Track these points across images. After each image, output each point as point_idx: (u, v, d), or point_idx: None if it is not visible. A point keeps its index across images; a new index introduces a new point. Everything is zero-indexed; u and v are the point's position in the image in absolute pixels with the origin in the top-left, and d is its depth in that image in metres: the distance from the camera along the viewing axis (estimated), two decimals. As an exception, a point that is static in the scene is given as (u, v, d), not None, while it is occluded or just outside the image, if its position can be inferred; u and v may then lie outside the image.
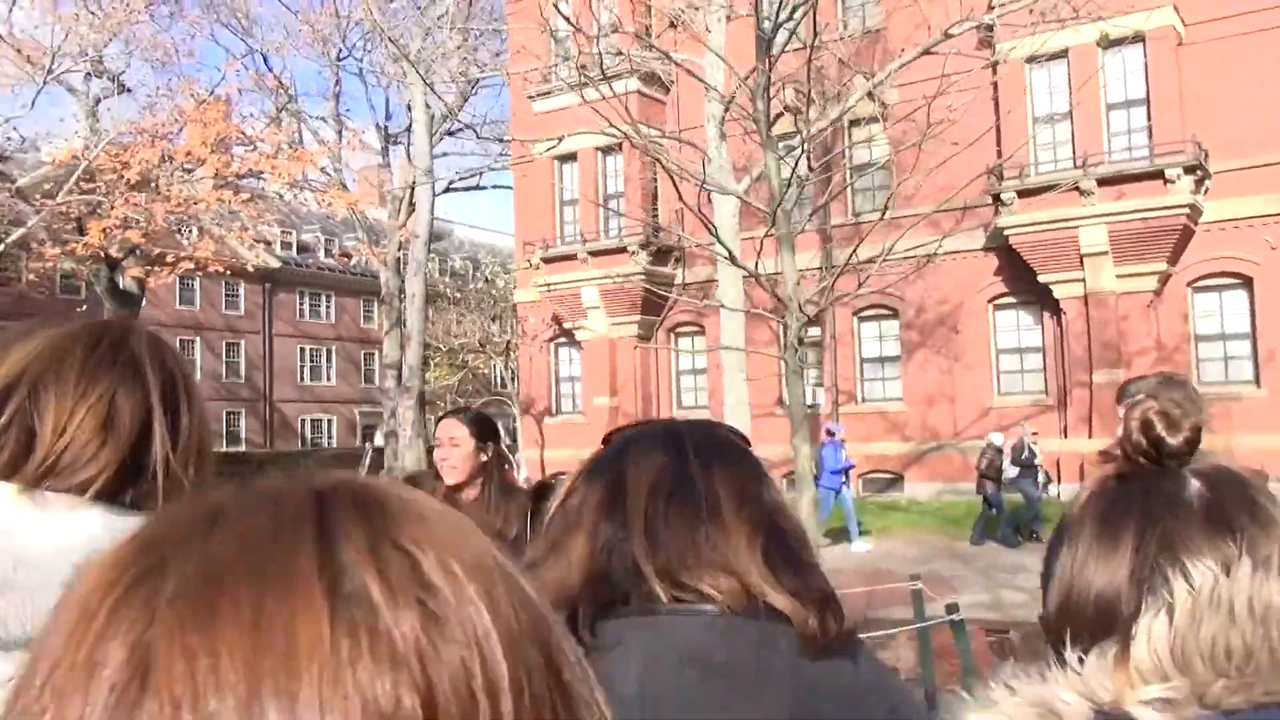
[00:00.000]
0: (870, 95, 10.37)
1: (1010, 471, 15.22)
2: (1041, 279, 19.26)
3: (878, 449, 21.55)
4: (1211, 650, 0.77)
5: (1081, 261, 18.61)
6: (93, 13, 21.38)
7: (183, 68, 26.72)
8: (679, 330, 24.19)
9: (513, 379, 26.70)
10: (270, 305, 44.74)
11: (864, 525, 17.86)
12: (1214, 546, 0.88)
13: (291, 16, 30.87)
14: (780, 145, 5.67)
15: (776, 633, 1.01)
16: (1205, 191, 18.09)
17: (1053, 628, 0.99)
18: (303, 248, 46.70)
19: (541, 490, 3.59)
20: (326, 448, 44.96)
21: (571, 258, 23.23)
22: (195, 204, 23.16)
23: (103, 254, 24.32)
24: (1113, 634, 0.84)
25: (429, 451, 3.48)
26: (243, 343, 44.04)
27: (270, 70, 30.65)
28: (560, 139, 11.06)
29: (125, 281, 26.08)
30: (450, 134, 32.69)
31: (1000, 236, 19.27)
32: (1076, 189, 17.63)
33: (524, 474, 24.47)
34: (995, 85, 17.79)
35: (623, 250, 22.34)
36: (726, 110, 8.77)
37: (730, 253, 5.19)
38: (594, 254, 22.54)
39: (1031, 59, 18.39)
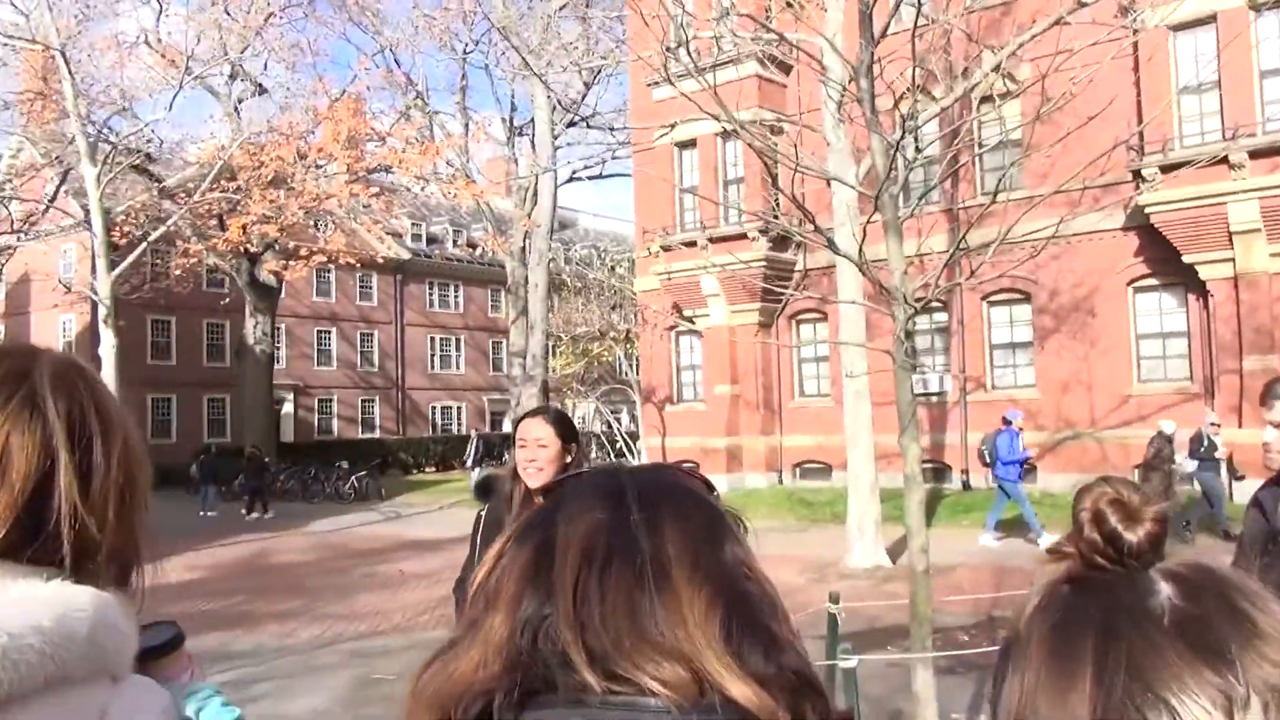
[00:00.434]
0: (999, 70, 9.91)
1: (1188, 465, 14.34)
2: (1186, 259, 18.21)
3: (1009, 438, 20.77)
4: None
5: (1231, 240, 17.50)
6: (229, 14, 22.26)
7: (316, 67, 27.62)
8: (800, 318, 23.82)
9: (634, 367, 26.77)
10: (401, 296, 46.02)
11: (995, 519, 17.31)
12: (1198, 675, 0.69)
13: (420, 13, 31.52)
14: (906, 125, 5.47)
15: None
16: (1371, 163, 16.77)
17: None
18: (432, 239, 47.87)
19: None
20: (456, 434, 46.04)
21: (691, 245, 23.10)
22: (328, 198, 23.93)
23: (243, 249, 25.43)
24: None
25: (512, 441, 3.33)
26: (376, 332, 45.43)
27: (399, 67, 31.41)
28: (673, 125, 10.95)
29: (264, 275, 27.23)
30: (572, 124, 32.95)
31: (1141, 215, 18.29)
32: (1225, 162, 16.56)
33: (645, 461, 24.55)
34: (1135, 55, 16.86)
35: (743, 237, 22.09)
36: (843, 93, 8.51)
37: (829, 240, 4.99)
38: (713, 241, 22.36)
39: (1176, 26, 17.41)
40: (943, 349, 21.99)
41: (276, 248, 25.94)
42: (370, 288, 44.88)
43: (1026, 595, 0.87)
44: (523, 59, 14.30)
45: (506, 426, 43.96)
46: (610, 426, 27.11)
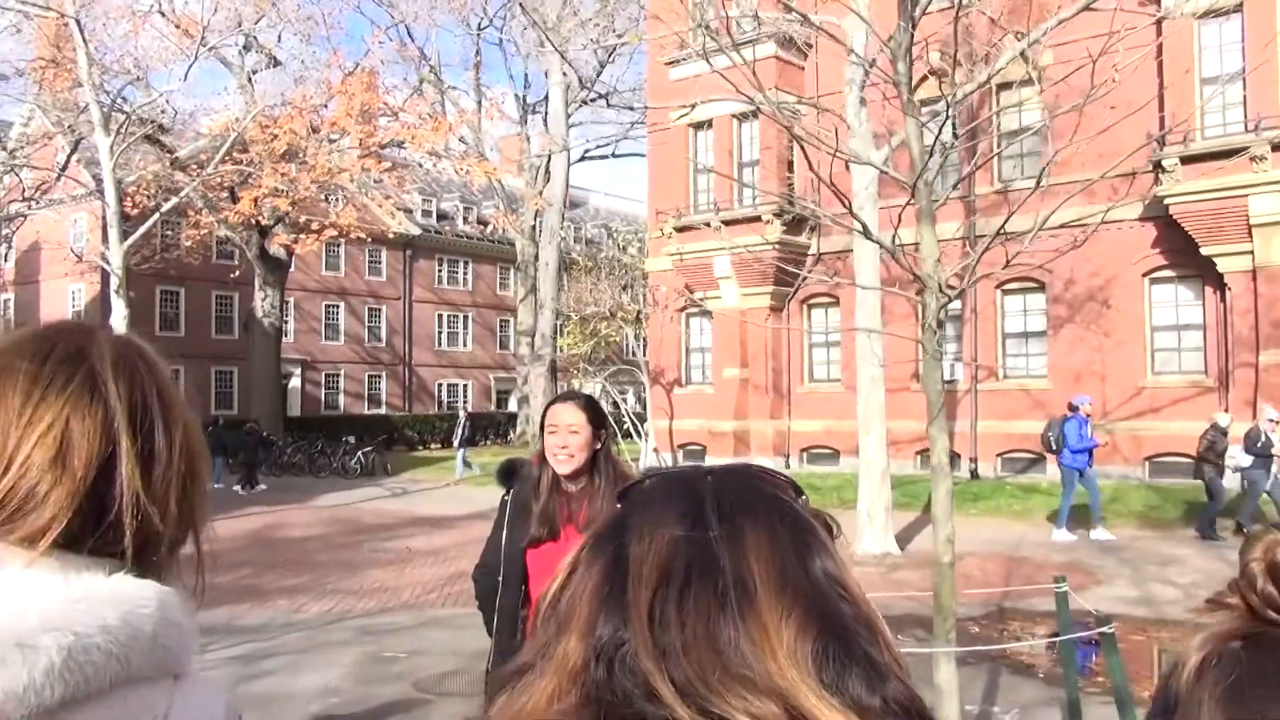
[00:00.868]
0: (1023, 56, 9.78)
1: (1243, 460, 13.78)
2: (1204, 251, 18.06)
3: (1018, 428, 20.70)
4: None
5: (1250, 233, 17.35)
6: (245, -15, 22.11)
7: (330, 40, 27.46)
8: (812, 302, 23.71)
9: (643, 348, 26.71)
10: (410, 271, 45.95)
11: (1001, 508, 17.24)
12: None
13: (434, -13, 31.31)
14: (924, 111, 5.33)
15: None
16: (1395, 158, 16.58)
17: None
18: (442, 215, 47.76)
19: None
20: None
21: (704, 227, 22.98)
22: (340, 173, 23.83)
23: (254, 221, 25.35)
24: None
25: (540, 425, 3.25)
26: (384, 308, 45.39)
27: (413, 41, 31.25)
28: (692, 106, 10.84)
29: (274, 248, 27.17)
30: (587, 103, 32.78)
31: (1160, 206, 18.13)
32: (1248, 155, 16.39)
33: (652, 443, 24.51)
34: (1160, 44, 16.66)
35: (756, 219, 21.96)
36: (867, 74, 8.39)
37: (865, 226, 4.90)
38: (727, 223, 22.24)
39: (1201, 14, 17.20)
40: (954, 337, 21.87)
41: (287, 221, 25.86)
42: (379, 263, 44.81)
43: (1187, 648, 0.78)
44: (542, 33, 14.14)
45: (512, 405, 44.00)
46: (617, 407, 27.06)
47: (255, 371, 31.91)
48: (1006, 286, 20.78)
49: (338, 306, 43.91)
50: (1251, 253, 17.49)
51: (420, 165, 31.05)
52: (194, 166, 22.47)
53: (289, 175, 22.48)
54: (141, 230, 18.30)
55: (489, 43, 36.11)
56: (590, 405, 3.31)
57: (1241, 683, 0.72)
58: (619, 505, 0.90)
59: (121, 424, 0.90)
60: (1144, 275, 19.49)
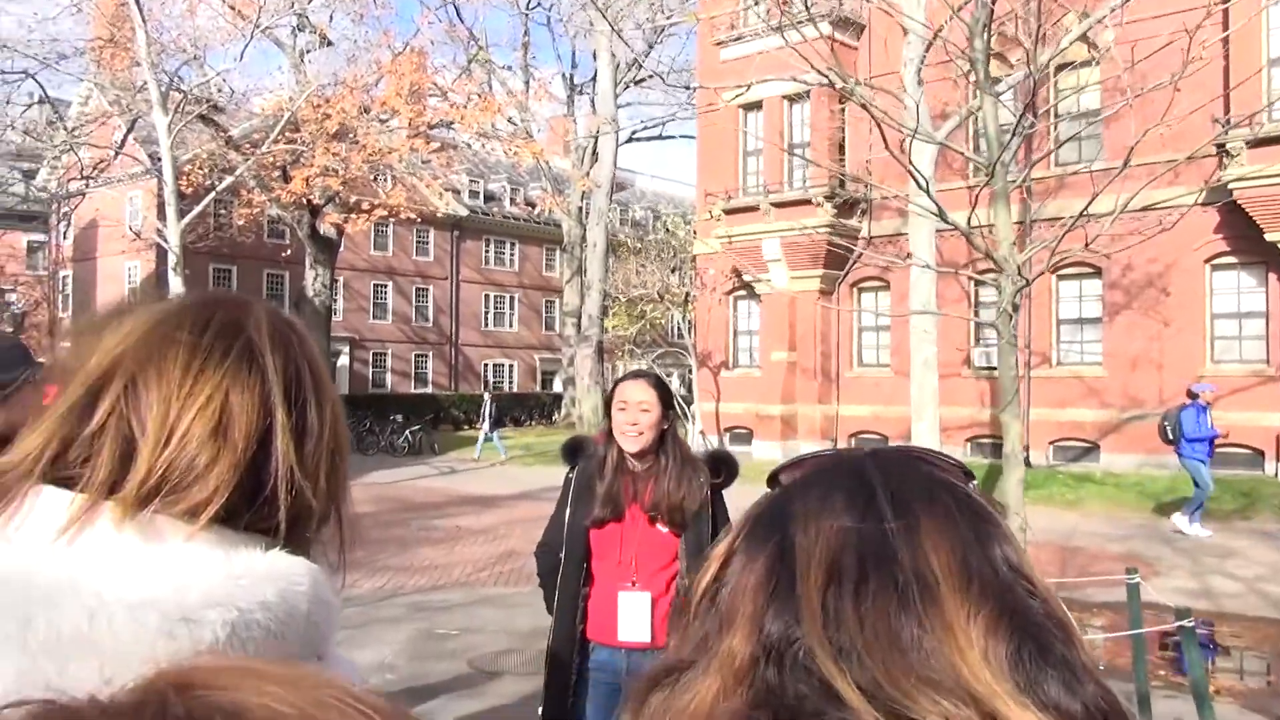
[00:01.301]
0: (1084, 38, 9.57)
1: None
2: (1269, 237, 17.62)
3: (1071, 415, 20.39)
4: None
5: (1318, 219, 16.89)
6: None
7: (381, 20, 27.55)
8: (862, 286, 23.47)
9: (690, 330, 26.63)
10: (457, 252, 46.18)
11: (1054, 497, 16.99)
12: None
13: (484, -34, 31.32)
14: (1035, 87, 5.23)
15: None
16: None
17: None
18: (489, 196, 47.89)
19: (717, 464, 3.37)
20: (507, 391, 46.33)
21: (754, 209, 22.81)
22: (389, 153, 23.94)
23: (305, 201, 25.57)
24: None
25: (606, 403, 3.23)
26: (431, 288, 45.68)
27: (462, 21, 31.27)
28: (748, 86, 10.72)
29: (324, 227, 27.40)
30: (635, 83, 32.64)
31: (1223, 191, 17.67)
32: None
33: (699, 426, 24.46)
34: (1225, 23, 16.23)
35: (807, 202, 21.76)
36: (927, 51, 8.24)
37: (940, 208, 4.79)
38: (777, 205, 22.06)
39: (1271, -6, 16.72)
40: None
41: (338, 200, 26.05)
42: (427, 243, 45.07)
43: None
44: (598, 7, 14.06)
45: (557, 386, 44.13)
46: (664, 389, 26.99)
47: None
48: (1062, 272, 20.41)
49: (386, 286, 44.26)
50: (1318, 239, 17.03)
51: (468, 146, 31.13)
52: (247, 146, 22.69)
53: (340, 155, 22.63)
54: (198, 209, 18.53)
55: (537, 23, 36.09)
56: (660, 384, 3.29)
57: None
58: (772, 489, 0.85)
59: (277, 397, 0.89)
60: (1205, 261, 19.05)
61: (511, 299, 48.64)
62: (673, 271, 28.22)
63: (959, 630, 0.69)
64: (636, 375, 3.36)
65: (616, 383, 3.33)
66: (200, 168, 22.65)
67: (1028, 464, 20.70)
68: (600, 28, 25.44)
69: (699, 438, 23.73)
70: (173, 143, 17.77)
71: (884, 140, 4.70)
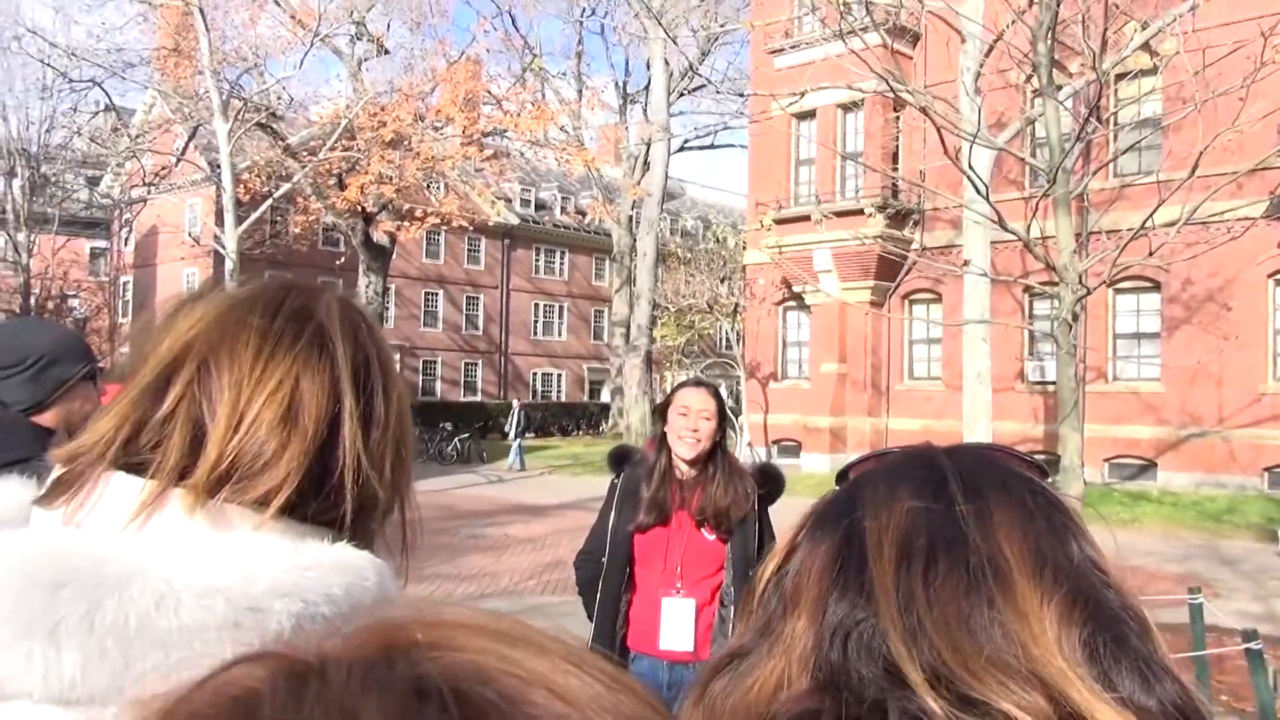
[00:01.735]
0: (1146, 46, 9.40)
1: None
2: (1336, 252, 17.17)
3: (1127, 432, 19.99)
4: None
5: (1388, 234, 16.42)
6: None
7: (437, 29, 27.83)
8: (914, 297, 23.23)
9: (739, 341, 26.53)
10: (508, 260, 46.46)
11: (1109, 515, 16.64)
12: None
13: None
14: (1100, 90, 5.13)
15: None
16: None
17: None
18: (540, 205, 48.15)
19: (764, 477, 3.36)
20: (555, 400, 46.48)
21: (805, 219, 22.69)
22: (443, 160, 24.17)
23: (359, 208, 25.89)
24: None
25: (654, 410, 3.25)
26: (481, 296, 45.99)
27: (517, 30, 31.53)
28: (803, 93, 10.67)
29: (378, 235, 27.72)
30: (688, 92, 32.67)
31: (1288, 204, 17.26)
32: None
33: (746, 438, 24.33)
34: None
35: (859, 212, 21.59)
36: (986, 58, 8.12)
37: (999, 215, 4.71)
38: (829, 215, 21.92)
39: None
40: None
41: (391, 208, 26.36)
42: (478, 251, 45.40)
43: None
44: (652, 15, 14.09)
45: (604, 396, 44.18)
46: (712, 400, 26.89)
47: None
48: (1119, 285, 20.05)
49: (437, 294, 44.65)
50: (1389, 254, 16.55)
51: (521, 154, 31.36)
52: (305, 153, 23.04)
53: (395, 162, 22.90)
54: (255, 215, 18.84)
55: (591, 31, 36.28)
56: (718, 394, 3.30)
57: None
58: (841, 484, 0.83)
59: (346, 384, 0.87)
60: (1268, 276, 18.60)
61: (561, 308, 48.83)
62: (722, 281, 28.16)
63: (1032, 616, 0.67)
64: (698, 383, 3.37)
65: (676, 388, 3.33)
66: (258, 175, 23.04)
67: (1083, 480, 20.34)
68: (654, 35, 25.49)
69: (746, 450, 23.60)
70: (232, 150, 18.10)
71: (943, 145, 4.63)
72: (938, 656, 0.67)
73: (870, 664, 0.68)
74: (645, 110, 32.14)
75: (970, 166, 4.61)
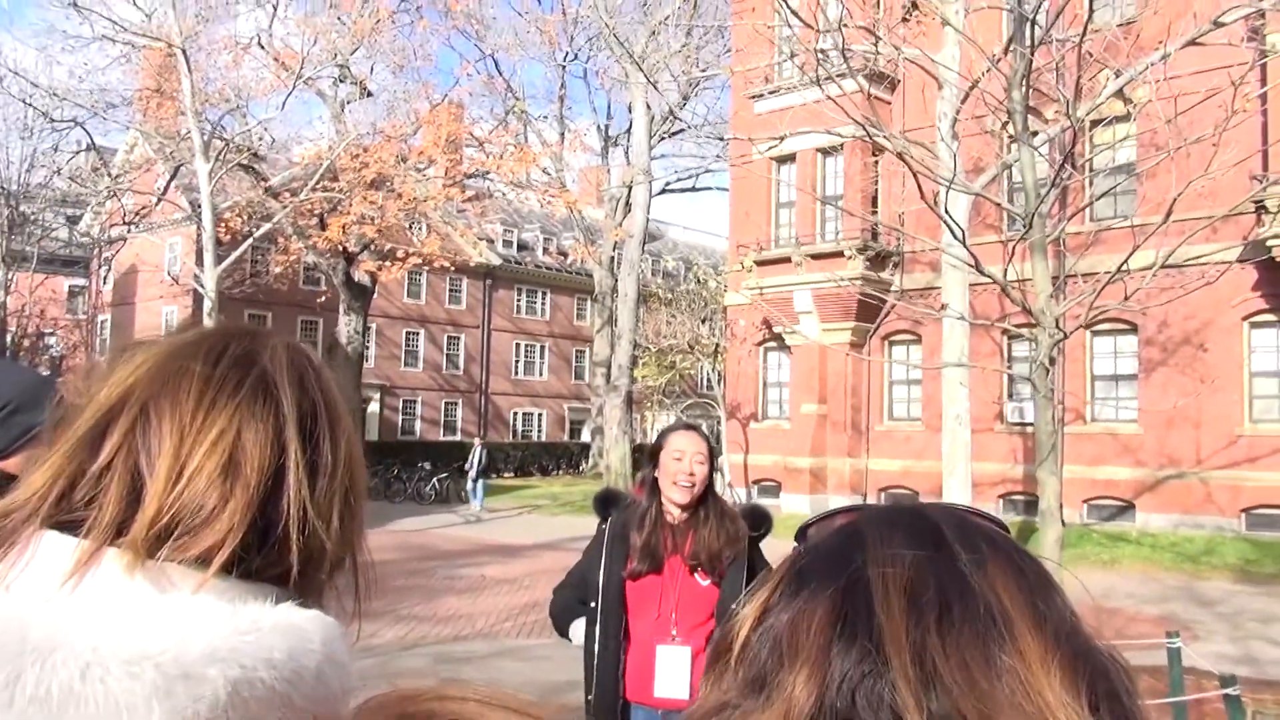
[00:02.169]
0: (1120, 93, 9.56)
1: None
2: (1309, 296, 17.38)
3: (1105, 473, 20.07)
4: None
5: (1359, 278, 16.65)
6: (341, 20, 22.74)
7: (420, 72, 28.00)
8: (894, 339, 23.36)
9: (719, 381, 26.55)
10: (490, 301, 46.49)
11: (1088, 556, 16.65)
12: None
13: (522, 20, 31.89)
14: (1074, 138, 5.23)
15: None
16: None
17: None
18: (522, 246, 48.29)
19: (755, 517, 3.35)
20: (535, 440, 46.32)
21: (785, 261, 22.84)
22: (425, 201, 24.24)
23: (341, 248, 25.89)
24: None
25: (634, 450, 3.23)
26: (463, 336, 45.94)
27: (500, 73, 31.79)
28: (783, 138, 10.78)
29: (359, 275, 27.71)
30: (669, 136, 32.95)
31: (1261, 247, 17.51)
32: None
33: (727, 478, 24.28)
34: (1264, 79, 16.17)
35: (839, 254, 21.76)
36: (962, 104, 8.25)
37: (976, 260, 4.75)
38: (810, 257, 22.07)
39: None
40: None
41: (373, 248, 26.37)
42: (460, 292, 45.42)
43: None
44: (634, 60, 14.23)
45: (585, 436, 44.07)
46: (693, 440, 26.83)
47: (336, 395, 32.44)
48: (1096, 328, 20.22)
49: (418, 333, 44.58)
50: (1360, 298, 16.78)
51: (503, 195, 31.48)
52: (286, 194, 23.06)
53: (377, 203, 22.94)
54: (235, 255, 18.79)
55: (574, 75, 36.62)
56: (709, 438, 3.31)
57: None
58: (801, 541, 0.83)
59: (291, 432, 0.84)
60: (1243, 319, 18.80)
61: (542, 348, 48.82)
62: (703, 322, 28.25)
63: (1038, 667, 0.67)
64: (689, 427, 3.37)
65: (668, 432, 3.31)
66: (239, 215, 23.03)
67: (1061, 522, 20.37)
68: (636, 80, 25.75)
69: (727, 490, 23.55)
70: (213, 190, 18.09)
71: (920, 190, 4.68)
72: (953, 707, 0.66)
73: (880, 714, 0.67)
74: (627, 153, 32.39)
75: (947, 211, 4.68)
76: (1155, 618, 11.32)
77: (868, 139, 11.33)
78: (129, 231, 27.58)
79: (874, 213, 21.19)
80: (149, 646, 0.72)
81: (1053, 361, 4.10)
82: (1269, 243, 17.25)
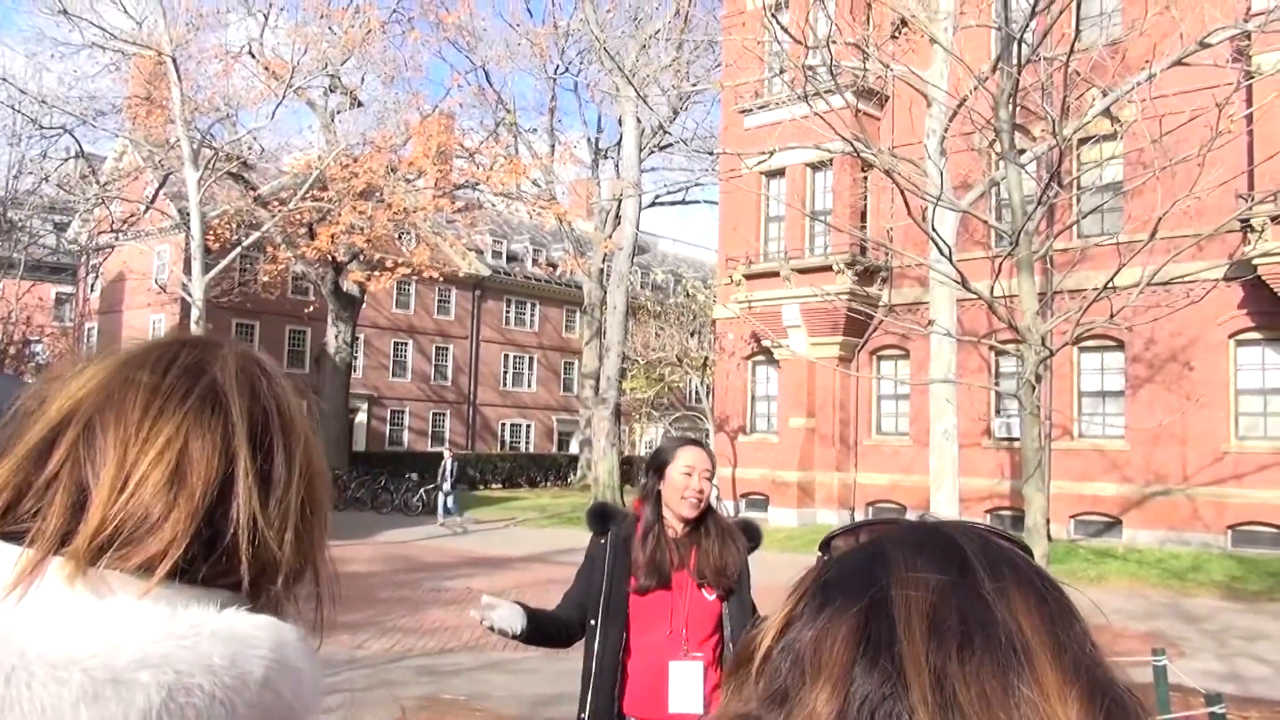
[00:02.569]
0: (1107, 112, 9.62)
1: None
2: (1294, 314, 17.49)
3: (1092, 489, 20.13)
4: None
5: (1344, 296, 16.77)
6: (332, 30, 22.76)
7: (411, 83, 28.03)
8: (882, 354, 23.42)
9: (708, 394, 26.56)
10: (478, 312, 46.45)
11: (1074, 572, 16.68)
12: None
13: (513, 32, 31.96)
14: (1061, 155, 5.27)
15: None
16: None
17: None
18: (512, 257, 48.29)
19: (747, 531, 3.37)
20: (523, 452, 46.24)
21: (774, 275, 22.89)
22: (414, 212, 24.23)
23: (329, 257, 25.85)
24: None
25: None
26: (451, 347, 45.87)
27: (491, 85, 31.82)
28: (772, 153, 10.82)
29: (348, 284, 27.67)
30: (660, 148, 33.02)
31: (1247, 266, 17.61)
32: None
33: (715, 492, 24.26)
34: (1250, 100, 16.30)
35: (827, 269, 21.82)
36: (951, 121, 8.29)
37: (963, 276, 4.77)
38: (798, 271, 22.13)
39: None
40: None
41: (362, 258, 26.34)
42: (449, 302, 45.38)
43: None
44: (624, 74, 14.26)
45: (573, 447, 44.00)
46: (681, 453, 26.82)
47: (324, 406, 32.38)
48: (1083, 344, 20.31)
49: (406, 344, 44.50)
50: (1344, 317, 16.89)
51: (493, 206, 31.51)
52: (275, 203, 23.02)
53: (366, 213, 22.93)
54: (224, 263, 18.73)
55: (564, 88, 36.73)
56: (712, 454, 3.33)
57: None
58: (825, 552, 0.84)
59: (240, 442, 0.83)
60: (1229, 337, 18.91)
61: (530, 359, 48.79)
62: (692, 335, 28.27)
63: (1055, 698, 0.68)
64: (694, 442, 3.35)
65: (674, 448, 3.29)
66: (228, 223, 22.98)
67: (1048, 538, 20.41)
68: (626, 93, 25.83)
69: (718, 504, 23.53)
70: (202, 198, 18.05)
71: (907, 207, 4.69)
72: None
73: None
74: (617, 166, 32.46)
75: (934, 228, 4.71)
76: (1142, 634, 11.34)
77: (856, 155, 11.42)
78: (117, 239, 27.50)
79: (863, 228, 21.26)
80: (77, 652, 0.71)
81: (1039, 378, 4.11)
82: (1254, 261, 17.36)
